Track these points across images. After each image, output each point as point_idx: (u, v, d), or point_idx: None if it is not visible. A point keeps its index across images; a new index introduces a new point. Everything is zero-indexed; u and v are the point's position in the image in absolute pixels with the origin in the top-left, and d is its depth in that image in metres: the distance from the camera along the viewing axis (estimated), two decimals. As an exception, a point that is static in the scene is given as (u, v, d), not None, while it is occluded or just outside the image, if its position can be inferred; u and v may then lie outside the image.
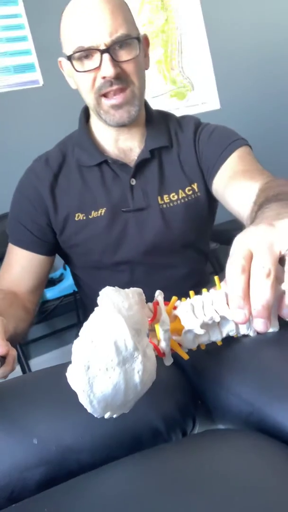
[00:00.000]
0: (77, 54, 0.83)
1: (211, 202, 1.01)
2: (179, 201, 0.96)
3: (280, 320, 0.55)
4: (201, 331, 0.52)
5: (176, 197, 0.96)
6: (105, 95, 0.86)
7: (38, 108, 2.09)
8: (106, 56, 0.81)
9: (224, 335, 0.55)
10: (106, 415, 0.44)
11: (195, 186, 0.97)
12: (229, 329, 0.55)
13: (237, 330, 0.55)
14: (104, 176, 0.95)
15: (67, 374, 0.42)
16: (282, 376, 0.46)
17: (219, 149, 0.95)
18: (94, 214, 0.95)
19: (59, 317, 2.01)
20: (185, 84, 2.46)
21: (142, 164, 0.95)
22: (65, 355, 2.18)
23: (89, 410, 0.42)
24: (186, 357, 0.54)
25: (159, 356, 0.54)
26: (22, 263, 0.98)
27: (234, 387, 0.49)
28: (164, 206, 0.95)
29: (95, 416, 0.43)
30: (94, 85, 0.85)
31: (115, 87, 0.84)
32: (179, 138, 0.99)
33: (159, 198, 0.95)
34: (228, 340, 0.56)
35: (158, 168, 0.96)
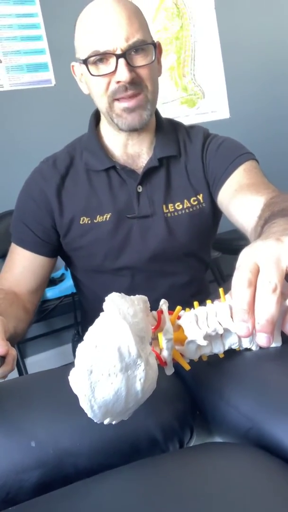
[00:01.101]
0: (92, 58, 0.83)
1: (215, 213, 1.01)
2: (184, 211, 0.96)
3: (283, 335, 0.56)
4: (204, 343, 0.52)
5: (181, 206, 0.97)
6: (118, 99, 0.86)
7: (48, 108, 2.10)
8: (121, 60, 0.82)
9: (227, 347, 0.55)
10: (106, 421, 0.44)
11: (200, 196, 0.98)
12: (231, 342, 0.55)
13: (239, 343, 0.55)
14: (111, 181, 0.96)
15: (69, 377, 0.42)
16: (283, 392, 0.46)
17: (226, 161, 0.95)
18: (99, 218, 0.95)
19: (57, 317, 2.01)
20: (196, 92, 2.47)
21: (149, 172, 0.95)
22: (61, 355, 2.18)
23: (89, 414, 0.42)
24: (187, 367, 0.54)
25: (161, 365, 0.54)
26: (24, 264, 0.98)
27: (234, 400, 0.49)
28: (169, 214, 0.96)
29: (95, 421, 0.43)
30: (108, 89, 0.86)
31: (129, 92, 0.85)
32: (187, 148, 0.99)
33: (164, 206, 0.96)
34: (230, 353, 0.56)
35: (165, 176, 0.97)
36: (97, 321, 0.45)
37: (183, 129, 1.03)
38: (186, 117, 2.37)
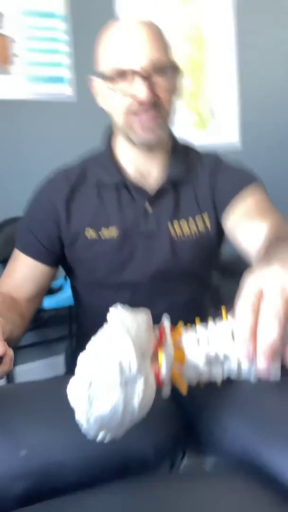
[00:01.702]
0: (113, 74, 0.85)
1: (220, 236, 1.02)
2: (189, 233, 0.97)
3: (283, 368, 0.55)
4: (204, 366, 0.51)
5: (187, 228, 0.97)
6: (134, 115, 0.87)
7: (66, 121, 2.12)
8: (142, 79, 0.83)
9: (225, 375, 0.55)
10: (99, 436, 0.43)
11: (207, 220, 0.98)
12: (231, 371, 0.54)
13: (238, 372, 0.55)
14: (120, 197, 0.96)
15: (68, 387, 0.42)
16: (279, 420, 0.46)
17: (234, 187, 0.96)
18: (105, 233, 0.95)
19: (51, 327, 2.00)
20: (207, 115, 2.51)
21: (159, 192, 0.96)
22: (51, 366, 2.15)
23: (84, 427, 0.42)
24: (184, 391, 0.53)
25: (158, 385, 0.53)
26: (25, 270, 0.98)
27: (231, 425, 0.49)
28: (175, 235, 0.96)
29: (88, 435, 0.43)
30: (125, 106, 0.87)
31: (146, 110, 0.86)
32: (197, 171, 1.00)
33: (170, 227, 0.96)
34: (229, 381, 0.55)
35: (174, 198, 0.97)
36: (100, 332, 0.44)
37: (195, 153, 1.04)
38: (196, 138, 2.40)
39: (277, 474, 0.43)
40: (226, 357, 0.52)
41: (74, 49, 2.11)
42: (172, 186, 0.97)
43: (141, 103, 0.84)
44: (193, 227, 0.97)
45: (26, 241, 0.98)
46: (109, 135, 1.01)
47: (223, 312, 0.55)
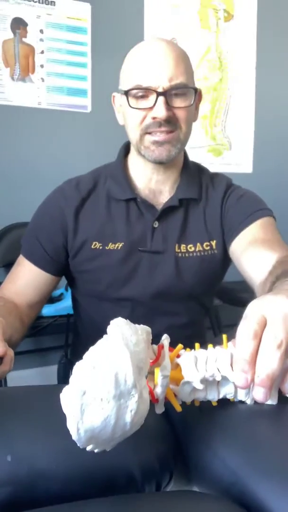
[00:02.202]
0: (134, 91, 0.86)
1: (226, 261, 1.02)
2: (195, 254, 0.97)
3: (280, 395, 0.55)
4: (200, 386, 0.51)
5: (193, 249, 0.97)
6: (150, 133, 0.88)
7: (80, 132, 2.15)
8: (161, 98, 0.84)
9: (221, 396, 0.54)
10: (89, 447, 0.43)
11: (213, 243, 0.98)
12: (227, 391, 0.54)
13: (235, 394, 0.54)
14: (129, 212, 0.97)
15: (61, 395, 0.41)
16: (273, 451, 0.45)
17: (244, 213, 0.96)
18: (111, 246, 0.95)
19: (47, 336, 1.98)
20: (223, 143, 2.53)
21: (168, 210, 0.97)
22: (44, 375, 2.14)
23: (74, 436, 0.41)
24: (179, 409, 0.53)
25: (152, 401, 0.53)
26: (28, 277, 0.98)
27: (221, 452, 0.48)
28: (180, 255, 0.96)
29: (78, 444, 0.42)
30: (142, 123, 0.88)
31: (163, 128, 0.87)
32: (209, 193, 1.01)
33: (176, 246, 0.96)
34: (223, 402, 0.55)
35: (183, 217, 0.98)
36: (99, 342, 0.44)
37: (207, 175, 1.05)
38: (211, 165, 2.42)
39: (265, 503, 0.42)
40: (223, 379, 0.52)
41: (91, 62, 2.15)
42: (181, 204, 0.97)
43: (156, 120, 0.86)
44: (200, 250, 0.97)
45: (31, 248, 0.99)
46: (125, 151, 1.03)
47: (224, 339, 0.55)
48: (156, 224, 0.96)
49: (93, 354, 0.43)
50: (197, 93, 0.93)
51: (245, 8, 2.48)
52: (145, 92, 0.86)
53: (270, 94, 2.63)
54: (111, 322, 0.45)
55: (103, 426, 0.41)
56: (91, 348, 0.43)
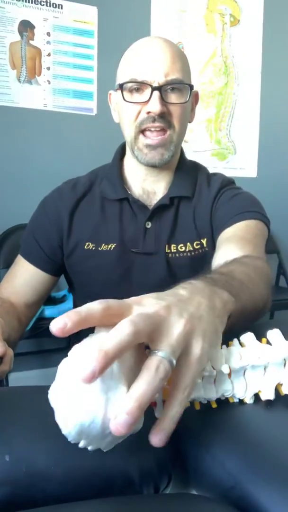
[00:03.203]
0: (129, 85, 0.86)
1: None
2: (186, 253, 0.96)
3: (278, 395, 0.54)
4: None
5: (183, 248, 0.97)
6: (144, 133, 0.88)
7: (85, 134, 2.16)
8: (156, 93, 0.84)
9: (219, 394, 0.54)
10: (81, 443, 0.43)
11: (204, 241, 0.97)
12: (225, 389, 0.54)
13: (233, 391, 0.54)
14: (123, 212, 0.97)
15: (49, 390, 0.42)
16: (274, 454, 0.45)
17: (232, 213, 0.94)
18: (103, 246, 0.95)
19: (50, 337, 1.98)
20: (228, 147, 2.53)
21: (160, 209, 0.96)
22: (45, 377, 2.14)
23: (63, 431, 0.41)
24: None
25: (151, 405, 0.53)
26: (26, 277, 0.99)
27: (221, 455, 0.48)
28: (171, 255, 0.96)
29: (69, 439, 0.42)
30: (137, 118, 0.88)
31: (157, 124, 0.86)
32: (202, 192, 1.00)
33: (167, 246, 0.96)
34: (223, 405, 0.55)
35: (174, 216, 0.97)
36: (84, 340, 0.45)
37: (204, 173, 1.04)
38: (215, 169, 2.42)
39: (265, 508, 0.41)
40: (219, 375, 0.52)
41: (98, 65, 2.16)
42: (172, 203, 0.96)
43: (150, 115, 0.85)
44: (190, 249, 0.96)
45: (29, 248, 0.99)
46: (122, 151, 1.03)
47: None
48: (148, 225, 0.96)
49: (78, 350, 0.43)
50: (193, 93, 0.92)
51: (251, 13, 2.49)
52: (140, 86, 0.86)
53: (275, 98, 2.64)
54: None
55: (92, 419, 0.41)
56: (76, 346, 0.44)
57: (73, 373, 0.41)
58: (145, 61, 0.85)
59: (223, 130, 2.52)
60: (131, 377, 0.45)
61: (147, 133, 0.87)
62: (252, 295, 0.61)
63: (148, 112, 0.86)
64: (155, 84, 0.84)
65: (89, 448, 0.43)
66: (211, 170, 1.09)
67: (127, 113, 0.89)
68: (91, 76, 2.14)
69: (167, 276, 0.95)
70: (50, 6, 2.04)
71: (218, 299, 0.50)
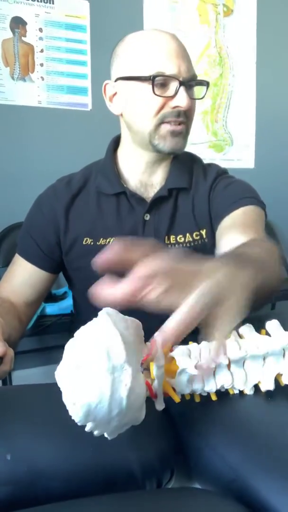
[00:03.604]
0: (157, 78, 0.84)
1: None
2: (185, 244, 0.96)
3: (278, 385, 0.55)
4: (195, 371, 0.51)
5: (183, 239, 0.96)
6: (167, 122, 0.87)
7: (80, 130, 2.15)
8: (183, 88, 0.84)
9: (219, 386, 0.54)
10: (88, 426, 0.43)
11: (203, 232, 0.97)
12: (224, 381, 0.54)
13: (233, 383, 0.54)
14: (120, 206, 0.96)
15: (56, 371, 0.42)
16: (274, 446, 0.45)
17: (230, 200, 0.94)
18: (102, 241, 0.95)
19: (52, 334, 1.99)
20: (225, 138, 2.52)
21: (158, 201, 0.96)
22: (49, 374, 2.14)
23: (70, 411, 0.42)
24: (177, 399, 0.53)
25: (151, 397, 0.53)
26: (24, 275, 0.98)
27: (221, 448, 0.48)
28: (170, 246, 0.95)
29: (76, 421, 0.42)
30: (159, 112, 0.87)
31: (180, 118, 0.86)
32: (199, 182, 0.99)
33: (166, 237, 0.96)
34: (223, 398, 0.55)
35: (172, 207, 0.97)
36: (89, 323, 0.46)
37: (200, 164, 1.03)
38: (212, 161, 2.40)
39: (265, 500, 0.41)
40: (218, 367, 0.52)
41: (91, 60, 2.15)
42: (171, 194, 0.96)
43: (176, 109, 0.85)
44: (189, 240, 0.96)
45: (26, 247, 0.99)
46: (114, 146, 1.02)
47: None
48: (147, 217, 0.95)
49: (84, 332, 0.44)
50: (207, 87, 0.92)
51: (244, 2, 2.47)
52: (165, 80, 0.85)
53: (271, 89, 2.62)
54: (100, 311, 0.47)
55: (99, 400, 0.41)
56: (82, 327, 0.44)
57: (79, 353, 0.42)
58: (170, 55, 0.85)
59: (220, 122, 2.50)
60: (135, 360, 0.45)
61: (171, 122, 0.87)
62: (268, 273, 0.60)
63: (175, 107, 0.86)
64: (182, 80, 0.84)
65: (95, 433, 0.44)
66: (208, 162, 1.08)
67: (150, 106, 0.87)
68: (85, 71, 2.13)
69: None
70: (41, 1, 2.02)
71: (245, 275, 0.50)
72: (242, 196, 0.94)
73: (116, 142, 1.02)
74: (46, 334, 1.96)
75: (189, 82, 0.86)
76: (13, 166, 2.06)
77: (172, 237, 0.95)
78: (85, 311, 1.04)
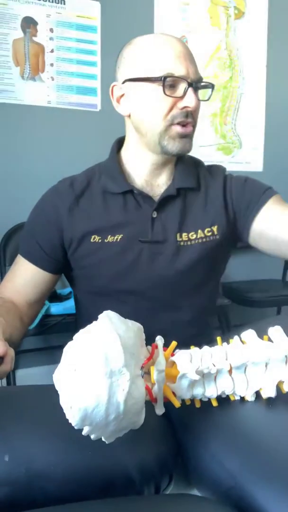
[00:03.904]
0: (167, 79, 0.85)
1: (227, 246, 1.01)
2: (197, 241, 0.97)
3: (279, 392, 0.54)
4: (195, 377, 0.51)
5: (194, 236, 0.97)
6: (177, 124, 0.88)
7: (89, 131, 2.15)
8: (191, 89, 0.86)
9: (220, 392, 0.54)
10: (85, 430, 0.43)
11: (215, 228, 0.98)
12: (225, 386, 0.54)
13: (234, 389, 0.54)
14: (127, 204, 0.96)
15: (53, 375, 0.42)
16: (273, 454, 0.44)
17: (258, 192, 0.98)
18: (110, 238, 0.95)
19: (56, 334, 1.99)
20: (233, 141, 2.51)
21: (166, 200, 0.96)
22: (52, 373, 2.14)
23: (68, 416, 0.42)
24: (177, 404, 0.52)
25: (151, 401, 0.53)
26: (26, 276, 0.98)
27: (220, 454, 0.47)
28: (182, 243, 0.96)
29: (73, 425, 0.42)
30: (169, 113, 0.88)
31: (189, 119, 0.88)
32: (207, 182, 1.01)
33: (178, 235, 0.96)
34: (224, 403, 0.54)
35: (182, 206, 0.97)
36: (89, 325, 0.45)
37: (203, 166, 1.06)
38: (221, 163, 2.41)
39: (264, 508, 0.41)
40: (219, 372, 0.52)
41: (101, 60, 2.15)
42: (179, 194, 0.97)
43: (185, 110, 0.86)
44: (201, 236, 0.97)
45: (28, 248, 0.99)
46: (117, 146, 1.03)
47: (219, 340, 0.55)
48: (155, 214, 0.96)
49: (82, 335, 0.44)
50: (212, 89, 0.93)
51: (256, 5, 2.46)
52: (174, 81, 0.86)
53: (281, 92, 2.61)
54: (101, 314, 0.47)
55: (96, 404, 0.41)
56: (81, 330, 0.44)
57: (78, 357, 0.42)
58: (179, 57, 0.86)
59: (229, 124, 2.49)
60: (134, 364, 0.45)
61: (181, 123, 0.89)
62: None
63: (183, 108, 0.87)
64: (190, 81, 0.86)
65: (92, 436, 0.43)
66: (210, 164, 1.09)
67: (160, 106, 0.88)
68: (95, 72, 2.13)
69: (175, 264, 0.95)
70: (52, 2, 2.03)
71: None
72: (265, 188, 1.00)
73: (119, 143, 1.03)
74: (51, 334, 1.96)
75: (197, 84, 0.87)
76: (21, 166, 2.07)
77: (184, 235, 0.96)
78: (88, 311, 1.04)
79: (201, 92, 0.92)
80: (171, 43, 0.88)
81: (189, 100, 0.85)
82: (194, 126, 0.91)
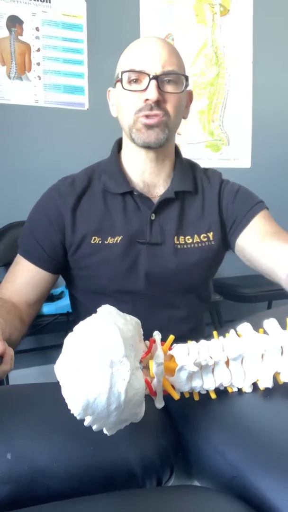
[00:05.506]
0: (128, 74, 0.90)
1: (222, 253, 1.04)
2: (193, 245, 0.99)
3: (277, 384, 0.55)
4: (194, 368, 0.52)
5: (191, 240, 0.99)
6: (142, 115, 0.90)
7: (78, 129, 2.15)
8: (153, 82, 0.88)
9: (218, 384, 0.55)
10: (87, 421, 0.43)
11: (210, 234, 1.00)
12: (223, 379, 0.54)
13: (231, 381, 0.55)
14: (126, 205, 0.97)
15: (55, 365, 0.43)
16: (273, 443, 0.45)
17: (245, 207, 1.00)
18: (110, 240, 0.96)
19: (48, 334, 1.99)
20: (221, 138, 2.53)
21: (164, 203, 0.98)
22: (45, 374, 2.14)
23: (70, 406, 0.42)
24: (176, 397, 0.53)
25: (151, 395, 0.53)
26: (26, 276, 0.98)
27: (221, 446, 0.48)
28: (179, 246, 0.98)
29: (75, 415, 0.43)
30: (135, 106, 0.90)
31: (154, 111, 0.90)
32: (205, 186, 1.03)
33: (175, 238, 0.97)
34: (222, 396, 0.55)
35: (180, 209, 0.99)
36: (88, 318, 0.46)
37: (200, 170, 1.07)
38: (209, 161, 2.42)
39: (266, 497, 0.42)
40: (217, 365, 0.53)
41: (88, 59, 2.15)
42: (177, 197, 0.98)
43: (148, 102, 0.89)
44: (197, 241, 0.99)
45: (28, 248, 0.99)
46: (118, 147, 1.03)
47: (215, 334, 0.55)
48: (153, 217, 0.97)
49: (83, 327, 0.44)
50: (187, 92, 0.96)
51: (241, 2, 2.47)
52: (138, 76, 0.89)
53: (267, 88, 2.63)
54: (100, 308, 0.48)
55: (97, 394, 0.41)
56: (81, 322, 0.44)
57: (79, 347, 0.42)
58: (144, 53, 0.90)
59: (216, 121, 2.50)
60: (133, 356, 0.46)
61: (144, 116, 0.90)
62: None
63: (146, 100, 0.89)
64: (153, 75, 0.88)
65: (94, 427, 0.44)
66: (205, 162, 1.10)
67: (126, 102, 0.92)
68: (82, 70, 2.13)
69: (173, 266, 0.97)
70: (38, 0, 2.02)
71: None
72: (254, 202, 1.02)
73: (119, 144, 1.04)
74: (43, 334, 1.96)
75: (163, 77, 0.90)
76: (9, 166, 2.06)
77: (181, 238, 0.98)
78: (87, 310, 1.04)
79: (177, 85, 0.92)
80: (142, 43, 0.93)
81: (149, 92, 0.88)
82: (166, 118, 0.92)
